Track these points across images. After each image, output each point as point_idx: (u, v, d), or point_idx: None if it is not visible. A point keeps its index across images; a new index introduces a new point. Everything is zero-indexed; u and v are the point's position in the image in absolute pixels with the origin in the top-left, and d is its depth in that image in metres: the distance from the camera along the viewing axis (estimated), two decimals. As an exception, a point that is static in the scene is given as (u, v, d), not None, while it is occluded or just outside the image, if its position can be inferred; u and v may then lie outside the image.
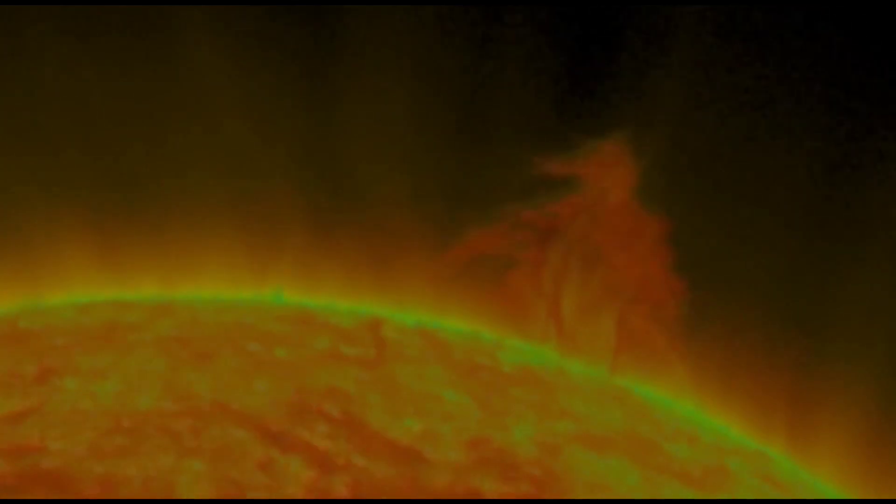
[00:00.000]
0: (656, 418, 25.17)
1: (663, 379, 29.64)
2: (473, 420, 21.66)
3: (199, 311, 25.27)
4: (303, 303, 27.17)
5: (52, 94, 27.70)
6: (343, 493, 18.19)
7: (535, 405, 23.29)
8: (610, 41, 27.69)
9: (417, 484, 18.77)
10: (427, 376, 23.28)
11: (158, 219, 28.75)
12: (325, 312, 26.08)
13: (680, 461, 22.69)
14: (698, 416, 28.29)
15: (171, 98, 28.22)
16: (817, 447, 29.75)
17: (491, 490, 19.11)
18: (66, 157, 28.36)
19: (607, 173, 27.65)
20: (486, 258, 27.53)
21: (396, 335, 25.06)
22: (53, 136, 28.35)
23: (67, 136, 28.30)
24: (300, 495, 18.05)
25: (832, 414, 30.36)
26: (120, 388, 20.79)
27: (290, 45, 29.22)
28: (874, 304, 29.70)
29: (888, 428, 30.50)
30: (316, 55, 29.41)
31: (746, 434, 28.82)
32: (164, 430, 19.43)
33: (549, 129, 27.14)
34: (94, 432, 19.12)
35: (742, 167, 30.12)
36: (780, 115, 29.28)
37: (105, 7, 29.18)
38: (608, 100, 28.18)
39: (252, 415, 20.25)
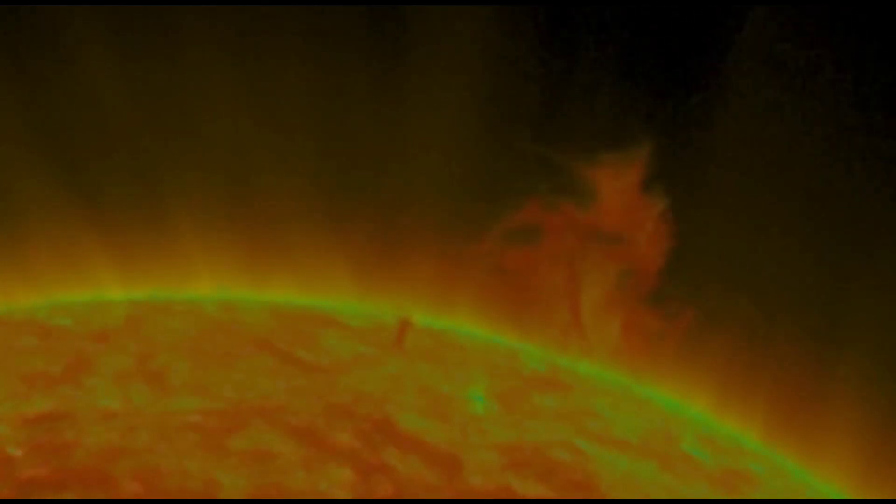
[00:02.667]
0: (672, 420, 25.29)
1: (672, 380, 29.76)
2: (502, 422, 21.72)
3: (216, 311, 25.20)
4: (319, 303, 27.15)
5: (72, 98, 27.55)
6: (386, 494, 18.20)
7: (559, 408, 23.37)
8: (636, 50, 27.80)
9: (457, 485, 18.80)
10: (451, 378, 23.31)
11: (170, 218, 28.63)
12: (342, 314, 26.07)
13: (703, 463, 22.82)
14: (707, 417, 28.44)
15: (184, 99, 28.11)
16: (823, 448, 29.92)
17: (530, 491, 19.17)
18: (81, 158, 28.22)
19: (617, 180, 27.72)
20: (501, 259, 27.54)
21: (416, 337, 25.10)
22: (70, 137, 28.19)
23: (84, 138, 28.14)
24: (342, 496, 18.04)
25: (837, 415, 30.54)
26: (149, 387, 20.70)
27: (301, 42, 29.11)
28: (881, 307, 29.87)
29: (891, 429, 30.70)
30: (327, 52, 29.33)
31: (752, 434, 28.99)
32: (199, 429, 19.36)
33: (572, 131, 27.19)
34: (128, 431, 19.03)
35: (755, 174, 30.24)
36: (793, 119, 29.43)
37: (114, 6, 29.02)
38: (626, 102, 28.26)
39: (284, 415, 20.20)
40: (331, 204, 28.26)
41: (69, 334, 23.19)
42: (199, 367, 21.61)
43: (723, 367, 28.72)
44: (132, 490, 17.38)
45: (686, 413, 26.55)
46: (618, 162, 26.92)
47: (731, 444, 25.34)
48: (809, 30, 26.65)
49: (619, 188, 27.44)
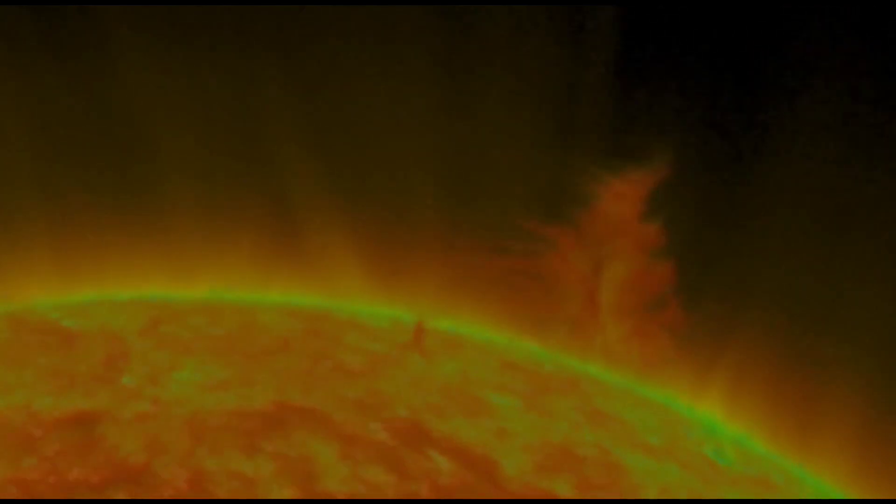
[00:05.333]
0: (689, 424, 25.52)
1: (682, 383, 29.96)
2: (528, 423, 21.85)
3: (234, 313, 25.18)
4: (334, 304, 27.17)
5: (87, 94, 27.46)
6: (427, 495, 18.29)
7: (580, 409, 23.52)
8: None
9: (495, 486, 18.92)
10: (473, 379, 23.43)
11: (181, 219, 28.57)
12: (359, 314, 26.13)
13: (726, 468, 23.06)
14: (719, 421, 28.67)
15: (201, 98, 28.07)
16: (821, 447, 30.23)
17: (565, 492, 19.31)
18: (93, 155, 28.13)
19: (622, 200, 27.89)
20: (517, 261, 27.70)
21: (433, 338, 25.19)
22: (81, 138, 28.10)
23: (96, 139, 28.06)
24: (383, 496, 18.12)
25: (835, 414, 30.87)
26: (180, 388, 20.67)
27: (306, 37, 29.09)
28: (878, 303, 30.12)
29: (889, 428, 31.00)
30: (339, 48, 29.35)
31: (760, 438, 29.25)
32: (235, 429, 19.36)
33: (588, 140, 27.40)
34: (165, 432, 19.01)
35: (760, 175, 30.45)
36: (782, 117, 29.60)
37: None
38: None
39: (315, 415, 20.23)
40: (343, 203, 28.26)
41: (91, 334, 23.10)
42: (228, 369, 21.60)
43: (732, 371, 28.96)
44: (177, 490, 17.36)
45: (700, 416, 26.78)
46: (633, 173, 27.11)
47: (749, 449, 25.60)
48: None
49: (628, 199, 27.62)
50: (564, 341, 27.19)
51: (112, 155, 28.91)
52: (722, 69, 27.98)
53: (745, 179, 30.15)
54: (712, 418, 27.43)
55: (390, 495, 18.32)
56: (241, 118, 29.41)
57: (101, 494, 17.37)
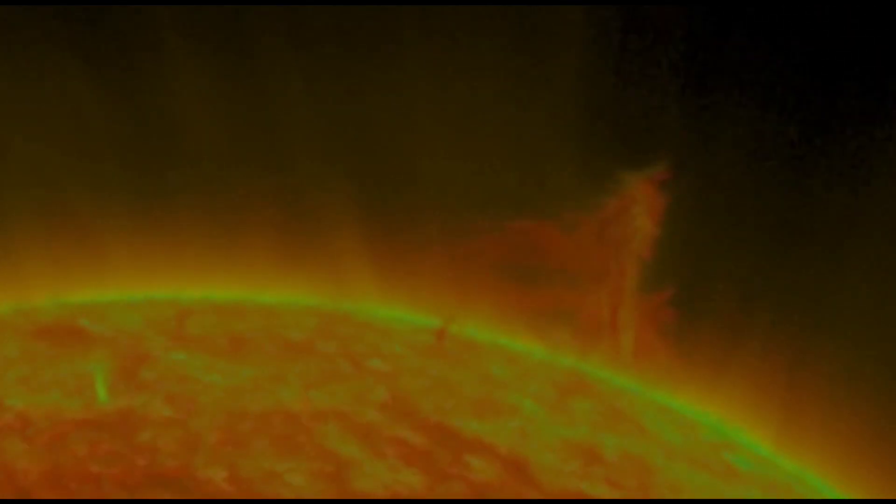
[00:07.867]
0: (704, 429, 25.71)
1: (684, 385, 30.08)
2: (551, 425, 21.98)
3: (249, 314, 25.20)
4: (348, 306, 27.18)
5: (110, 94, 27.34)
6: (461, 495, 18.40)
7: (597, 411, 23.66)
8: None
9: (530, 487, 19.05)
10: (493, 381, 23.53)
11: (198, 219, 28.48)
12: (375, 316, 26.18)
13: (748, 473, 23.27)
14: (723, 422, 28.84)
15: (212, 97, 27.99)
16: (824, 448, 30.40)
17: (598, 493, 19.48)
18: (110, 158, 28.04)
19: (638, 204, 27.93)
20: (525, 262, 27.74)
21: (453, 341, 25.25)
22: (92, 137, 27.99)
23: (113, 140, 27.96)
24: (418, 496, 18.22)
25: (839, 415, 31.04)
26: (209, 388, 20.68)
27: (327, 36, 29.04)
28: (875, 301, 30.25)
29: (889, 427, 31.18)
30: (346, 46, 29.31)
31: (758, 436, 29.42)
32: (266, 431, 19.41)
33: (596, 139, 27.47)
34: (200, 433, 19.02)
35: (739, 169, 30.43)
36: (774, 111, 29.65)
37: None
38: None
39: (345, 417, 20.30)
40: (360, 203, 28.24)
41: (111, 335, 23.06)
42: (253, 370, 21.61)
43: (741, 373, 29.12)
44: (218, 490, 17.40)
45: (710, 418, 26.96)
46: (646, 174, 27.19)
47: (757, 450, 25.80)
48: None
49: (643, 199, 27.70)
50: (580, 343, 27.28)
51: (130, 155, 28.80)
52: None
53: (751, 180, 30.28)
54: (722, 420, 27.61)
55: (426, 495, 18.42)
56: (258, 117, 29.31)
57: (138, 495, 17.38)
